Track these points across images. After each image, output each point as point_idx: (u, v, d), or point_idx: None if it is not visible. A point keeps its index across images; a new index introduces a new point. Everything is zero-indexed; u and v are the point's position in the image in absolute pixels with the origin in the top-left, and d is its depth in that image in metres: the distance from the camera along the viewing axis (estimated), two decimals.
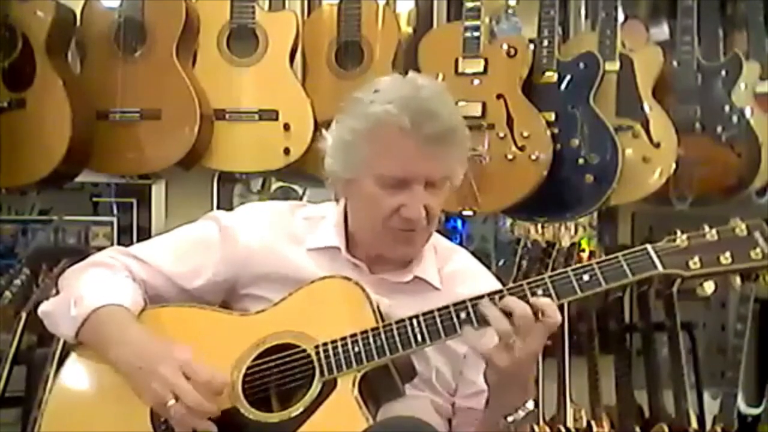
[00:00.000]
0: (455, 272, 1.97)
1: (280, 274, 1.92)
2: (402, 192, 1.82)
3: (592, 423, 3.38)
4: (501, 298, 1.72)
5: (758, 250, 1.67)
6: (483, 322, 1.73)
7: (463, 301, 1.75)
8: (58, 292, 1.99)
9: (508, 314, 1.69)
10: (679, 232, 1.71)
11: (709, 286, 1.72)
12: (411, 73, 1.91)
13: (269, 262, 1.93)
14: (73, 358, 1.93)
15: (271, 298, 1.89)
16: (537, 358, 1.76)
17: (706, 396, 3.57)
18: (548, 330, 1.70)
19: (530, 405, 1.78)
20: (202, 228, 2.02)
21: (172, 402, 1.71)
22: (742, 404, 3.49)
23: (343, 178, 1.88)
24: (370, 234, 1.89)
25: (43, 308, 1.95)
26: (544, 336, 1.71)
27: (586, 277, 1.72)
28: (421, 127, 1.77)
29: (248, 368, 1.81)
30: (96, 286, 1.91)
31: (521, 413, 1.77)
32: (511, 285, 1.75)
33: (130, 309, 1.89)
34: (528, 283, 1.73)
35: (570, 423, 3.34)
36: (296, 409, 1.75)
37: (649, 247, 1.71)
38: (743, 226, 1.69)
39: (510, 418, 1.77)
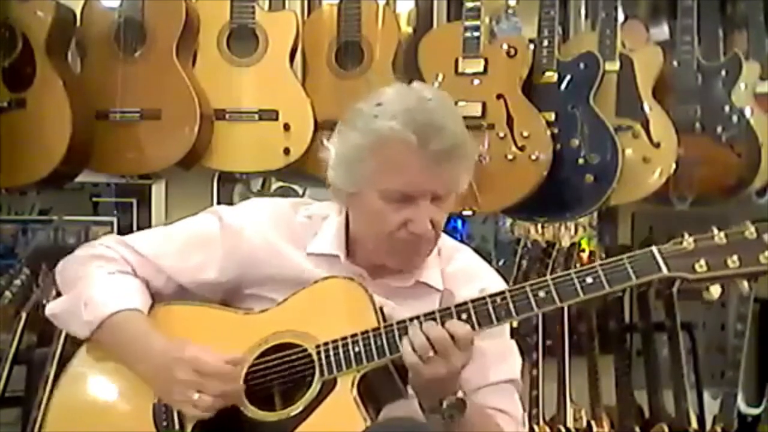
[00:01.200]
0: (458, 271, 1.96)
1: (283, 275, 1.91)
2: (407, 206, 1.81)
3: (592, 423, 3.38)
4: (495, 302, 1.72)
5: (767, 253, 1.64)
6: (484, 322, 1.73)
7: (465, 303, 1.75)
8: (58, 292, 2.00)
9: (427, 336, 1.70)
10: (686, 235, 1.69)
11: (715, 290, 1.69)
12: (415, 83, 1.90)
13: (273, 264, 1.93)
14: (77, 358, 1.94)
15: (274, 299, 1.89)
16: (459, 372, 1.74)
17: (706, 396, 3.57)
18: (465, 350, 1.71)
19: (456, 397, 1.75)
20: (203, 223, 2.00)
21: (197, 396, 1.75)
22: (742, 404, 3.50)
23: (346, 192, 1.87)
24: (374, 245, 1.88)
25: (51, 309, 1.95)
26: (461, 357, 1.71)
27: (589, 280, 1.70)
28: (428, 144, 1.75)
29: (250, 367, 1.82)
30: (105, 286, 1.91)
31: (445, 403, 1.75)
32: (513, 287, 1.75)
33: (143, 311, 1.90)
34: (530, 285, 1.73)
35: (570, 423, 3.34)
36: (296, 408, 1.76)
37: (654, 249, 1.69)
38: (753, 229, 1.66)
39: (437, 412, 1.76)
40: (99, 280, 1.92)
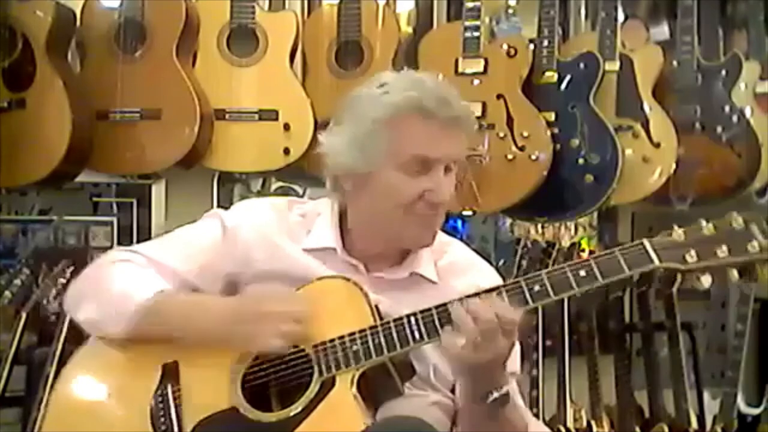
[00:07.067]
0: (451, 264, 1.97)
1: (281, 271, 1.91)
2: (424, 176, 1.83)
3: (592, 423, 3.39)
4: (507, 292, 1.73)
5: (755, 243, 1.68)
6: None
7: (460, 299, 1.74)
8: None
9: (474, 318, 1.69)
10: (675, 227, 1.72)
11: (706, 280, 1.72)
12: (405, 69, 1.96)
13: (271, 260, 1.92)
14: (74, 359, 1.93)
15: None
16: (505, 357, 1.73)
17: (706, 396, 3.58)
18: (507, 333, 1.69)
19: (505, 390, 1.76)
20: (206, 226, 1.99)
21: (286, 327, 1.76)
22: (742, 404, 3.50)
23: (359, 173, 1.87)
24: (387, 225, 1.88)
25: (81, 316, 1.91)
26: (507, 339, 1.69)
27: (582, 273, 1.72)
28: (443, 110, 1.80)
29: (248, 368, 1.81)
30: (131, 278, 1.89)
31: (495, 394, 1.75)
32: (508, 282, 1.76)
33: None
34: (525, 280, 1.74)
35: (570, 423, 3.35)
36: (295, 408, 1.75)
37: (645, 241, 1.72)
38: (740, 220, 1.69)
39: (488, 400, 1.75)
40: (123, 276, 1.90)
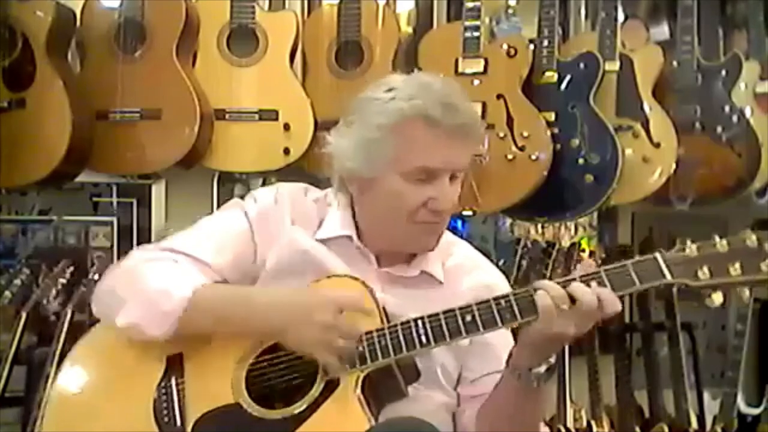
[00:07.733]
0: (457, 265, 1.97)
1: (296, 262, 1.90)
2: (428, 185, 1.83)
3: (592, 423, 3.39)
4: (499, 304, 1.73)
5: None
6: (488, 325, 1.73)
7: (469, 305, 1.75)
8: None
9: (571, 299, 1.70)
10: (689, 242, 1.70)
11: (717, 297, 1.70)
12: (416, 72, 1.94)
13: (285, 250, 1.91)
14: (74, 356, 1.93)
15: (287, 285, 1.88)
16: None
17: (706, 396, 3.58)
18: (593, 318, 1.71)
19: (552, 359, 1.79)
20: (232, 218, 1.96)
21: (341, 342, 1.73)
22: (742, 404, 3.50)
23: (365, 178, 1.87)
24: (391, 230, 1.89)
25: (125, 321, 1.82)
26: (591, 322, 1.72)
27: (594, 285, 1.71)
28: (449, 118, 1.79)
29: (252, 364, 1.81)
30: (168, 274, 1.85)
31: (544, 366, 1.78)
32: (518, 290, 1.75)
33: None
34: (534, 289, 1.73)
35: (570, 423, 3.34)
36: (299, 407, 1.75)
37: (658, 255, 1.71)
38: (754, 238, 1.67)
39: (534, 371, 1.77)
40: (160, 275, 1.85)
